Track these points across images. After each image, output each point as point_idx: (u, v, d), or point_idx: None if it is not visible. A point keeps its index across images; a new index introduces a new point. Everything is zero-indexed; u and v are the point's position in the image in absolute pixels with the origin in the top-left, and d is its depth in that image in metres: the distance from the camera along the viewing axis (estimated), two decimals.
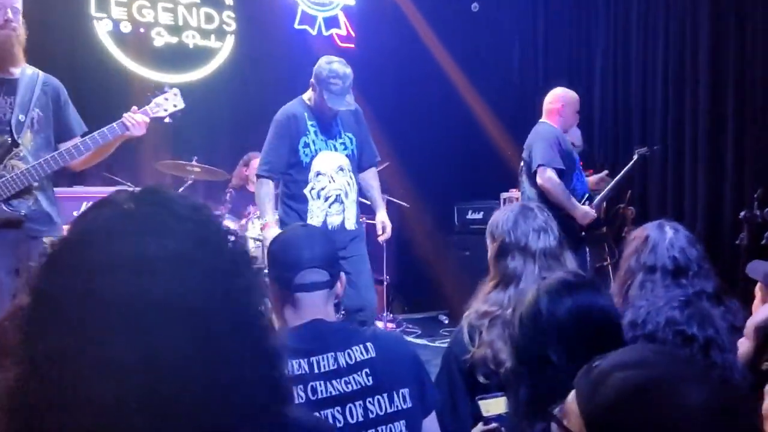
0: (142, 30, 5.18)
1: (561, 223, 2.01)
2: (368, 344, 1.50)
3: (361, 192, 3.42)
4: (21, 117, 2.49)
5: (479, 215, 5.43)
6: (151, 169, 4.67)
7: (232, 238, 0.70)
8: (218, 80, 5.44)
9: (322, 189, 3.20)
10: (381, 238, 3.39)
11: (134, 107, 2.66)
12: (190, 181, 4.45)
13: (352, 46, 5.92)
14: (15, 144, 2.47)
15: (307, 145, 3.20)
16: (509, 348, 1.36)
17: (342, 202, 3.24)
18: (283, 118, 3.25)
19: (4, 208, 2.44)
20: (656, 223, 1.94)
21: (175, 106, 2.75)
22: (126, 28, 5.13)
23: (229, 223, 4.32)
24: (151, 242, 0.63)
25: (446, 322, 5.47)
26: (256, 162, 4.83)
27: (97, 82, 4.70)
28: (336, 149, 3.25)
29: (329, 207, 3.21)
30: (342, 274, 1.61)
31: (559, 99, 3.82)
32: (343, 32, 6.01)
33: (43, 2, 4.25)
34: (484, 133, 5.86)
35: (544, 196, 3.60)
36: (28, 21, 2.52)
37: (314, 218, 3.19)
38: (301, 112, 3.24)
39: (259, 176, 3.27)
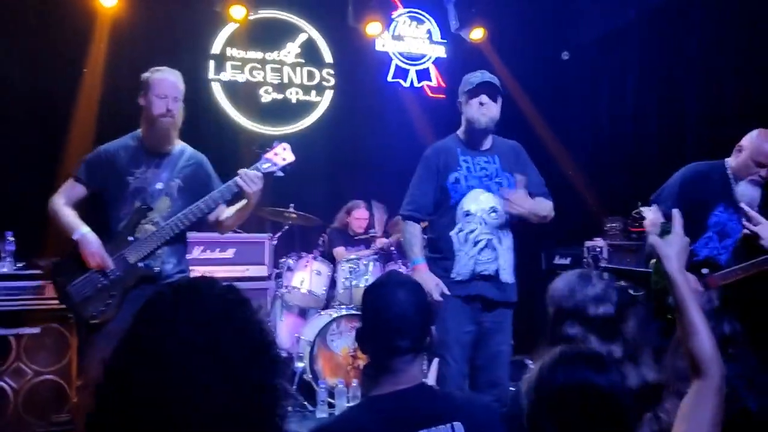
0: (252, 88, 5.78)
1: None
2: (456, 424, 1.46)
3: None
4: (159, 185, 2.71)
5: (566, 261, 5.43)
6: (252, 214, 5.12)
7: (253, 323, 0.94)
8: (316, 131, 5.90)
9: (471, 232, 2.85)
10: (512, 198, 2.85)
11: (243, 170, 2.69)
12: (287, 226, 4.80)
13: (443, 96, 6.15)
14: (149, 209, 2.68)
15: (457, 181, 2.90)
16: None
17: (495, 249, 2.86)
18: (432, 152, 2.99)
19: (141, 265, 2.65)
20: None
21: (284, 159, 2.76)
22: (239, 83, 5.74)
23: (319, 265, 4.66)
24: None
25: (533, 366, 5.43)
26: (357, 212, 5.22)
27: (213, 137, 5.25)
28: (490, 189, 2.90)
29: (479, 254, 2.84)
30: (432, 329, 1.60)
31: (745, 138, 3.04)
32: (434, 83, 6.30)
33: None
34: (570, 180, 5.87)
35: None
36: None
37: (461, 266, 2.85)
38: (453, 147, 2.97)
39: (403, 217, 2.99)
